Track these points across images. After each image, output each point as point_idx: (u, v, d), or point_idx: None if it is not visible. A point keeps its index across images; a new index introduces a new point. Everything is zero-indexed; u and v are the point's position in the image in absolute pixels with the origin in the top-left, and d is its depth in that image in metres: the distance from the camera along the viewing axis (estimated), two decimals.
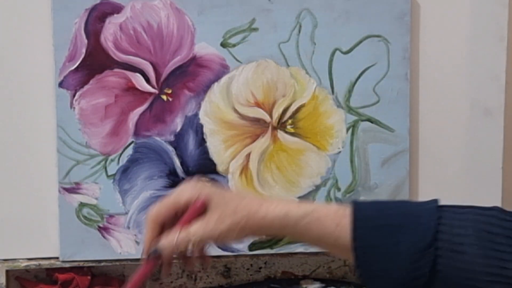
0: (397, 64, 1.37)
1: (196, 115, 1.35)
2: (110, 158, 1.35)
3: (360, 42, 1.37)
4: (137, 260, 1.38)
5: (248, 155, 1.37)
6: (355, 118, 1.38)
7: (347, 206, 0.93)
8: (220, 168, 1.37)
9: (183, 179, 1.36)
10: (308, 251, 1.40)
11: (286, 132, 1.37)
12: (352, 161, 1.39)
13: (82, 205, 1.35)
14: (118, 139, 1.35)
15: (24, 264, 1.36)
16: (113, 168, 1.35)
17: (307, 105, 1.37)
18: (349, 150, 1.38)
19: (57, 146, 1.34)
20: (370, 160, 1.39)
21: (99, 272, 1.42)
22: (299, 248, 1.40)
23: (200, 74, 1.35)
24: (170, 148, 1.36)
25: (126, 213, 1.36)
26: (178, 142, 1.36)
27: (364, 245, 0.91)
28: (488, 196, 1.43)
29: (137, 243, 1.37)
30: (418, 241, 0.89)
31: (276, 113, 1.37)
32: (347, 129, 1.38)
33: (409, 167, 1.40)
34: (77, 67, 1.33)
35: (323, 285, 1.46)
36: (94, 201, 1.36)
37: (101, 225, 1.36)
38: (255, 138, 1.37)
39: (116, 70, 1.33)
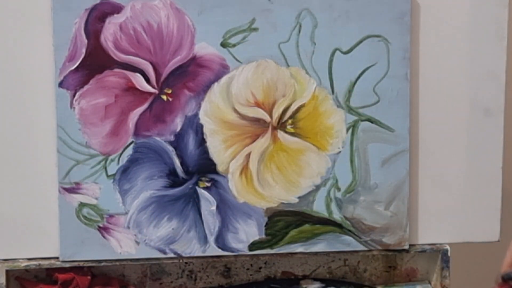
0: (397, 64, 1.37)
1: (196, 115, 1.35)
2: (110, 158, 1.35)
3: (360, 42, 1.37)
4: (137, 260, 1.38)
5: (248, 155, 1.37)
6: (355, 118, 1.38)
7: None
8: (220, 168, 1.37)
9: (183, 179, 1.36)
10: (308, 251, 1.40)
11: (286, 132, 1.37)
12: (352, 161, 1.39)
13: (82, 205, 1.35)
14: (118, 139, 1.35)
15: (24, 264, 1.36)
16: (113, 168, 1.35)
17: (307, 105, 1.37)
18: (349, 150, 1.38)
19: (57, 146, 1.34)
20: (370, 160, 1.39)
21: (99, 272, 1.42)
22: (299, 248, 1.40)
23: (200, 74, 1.35)
24: (170, 148, 1.36)
25: (126, 213, 1.36)
26: (178, 142, 1.36)
27: None
28: (488, 196, 1.43)
29: (137, 243, 1.37)
30: None
31: (276, 113, 1.36)
32: (347, 129, 1.38)
33: (409, 167, 1.40)
34: (77, 67, 1.33)
35: (323, 285, 1.46)
36: (94, 201, 1.36)
37: (101, 225, 1.36)
38: (255, 138, 1.37)
39: (116, 70, 1.33)
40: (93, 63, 1.33)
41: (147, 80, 1.34)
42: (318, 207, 1.39)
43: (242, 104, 1.36)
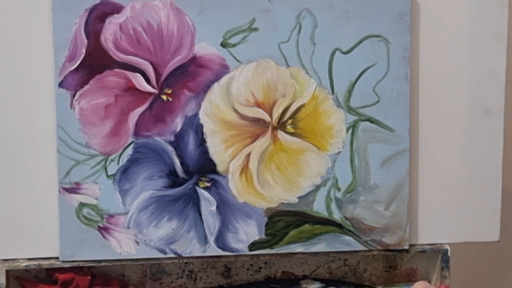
0: (397, 64, 1.38)
1: (196, 115, 1.35)
2: (110, 158, 1.35)
3: (360, 42, 1.37)
4: (137, 260, 1.38)
5: (248, 155, 1.37)
6: (355, 118, 1.38)
7: None
8: (220, 168, 1.37)
9: (183, 179, 1.36)
10: (308, 251, 1.40)
11: (286, 132, 1.37)
12: (352, 161, 1.39)
13: (82, 205, 1.35)
14: (118, 139, 1.35)
15: (24, 264, 1.36)
16: (113, 168, 1.35)
17: (307, 105, 1.37)
18: (349, 150, 1.38)
19: (57, 146, 1.34)
20: (370, 160, 1.39)
21: (99, 272, 1.42)
22: (299, 248, 1.40)
23: (200, 74, 1.35)
24: (170, 148, 1.36)
25: (126, 213, 1.36)
26: (178, 142, 1.36)
27: None
28: (488, 196, 1.44)
29: (137, 243, 1.37)
30: None
31: (276, 113, 1.37)
32: (347, 129, 1.38)
33: (409, 167, 1.40)
34: (77, 67, 1.33)
35: (323, 285, 1.46)
36: (94, 201, 1.36)
37: (101, 225, 1.36)
38: (255, 138, 1.37)
39: (116, 70, 1.33)
40: (93, 63, 1.33)
41: (147, 80, 1.34)
42: (318, 207, 1.39)
43: (242, 104, 1.36)
